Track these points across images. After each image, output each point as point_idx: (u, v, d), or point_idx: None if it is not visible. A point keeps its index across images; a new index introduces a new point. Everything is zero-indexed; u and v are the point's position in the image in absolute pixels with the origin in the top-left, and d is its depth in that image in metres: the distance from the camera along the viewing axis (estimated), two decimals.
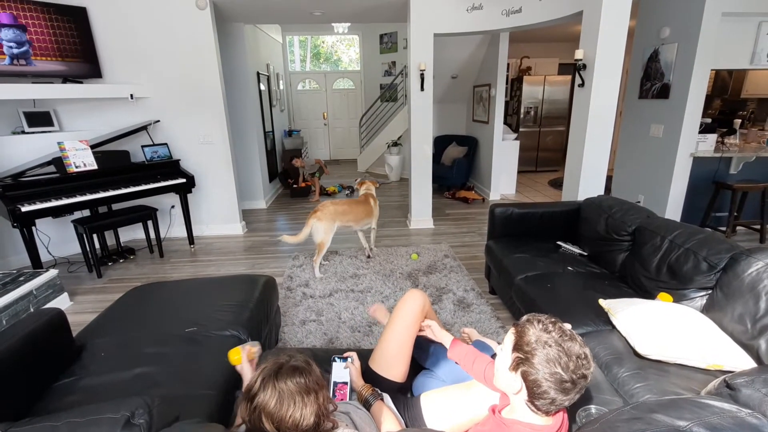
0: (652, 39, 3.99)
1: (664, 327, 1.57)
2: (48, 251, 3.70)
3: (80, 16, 3.67)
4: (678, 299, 1.82)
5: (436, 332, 1.51)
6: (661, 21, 3.86)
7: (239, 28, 4.97)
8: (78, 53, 3.70)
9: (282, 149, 7.24)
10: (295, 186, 6.20)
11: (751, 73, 5.52)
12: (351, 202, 3.58)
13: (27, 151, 3.54)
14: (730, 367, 1.44)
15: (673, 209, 3.97)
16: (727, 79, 5.92)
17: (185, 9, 3.86)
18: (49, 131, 3.72)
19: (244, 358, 1.44)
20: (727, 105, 6.13)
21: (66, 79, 3.67)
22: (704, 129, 3.99)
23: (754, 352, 1.48)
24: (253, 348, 1.50)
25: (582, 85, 3.11)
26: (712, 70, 3.87)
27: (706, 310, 1.75)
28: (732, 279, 1.66)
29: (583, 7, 3.07)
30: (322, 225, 3.31)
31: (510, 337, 1.00)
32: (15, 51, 3.33)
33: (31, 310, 2.69)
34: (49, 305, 2.83)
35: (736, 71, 5.67)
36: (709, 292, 1.77)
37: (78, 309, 2.98)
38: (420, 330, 1.53)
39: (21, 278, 2.78)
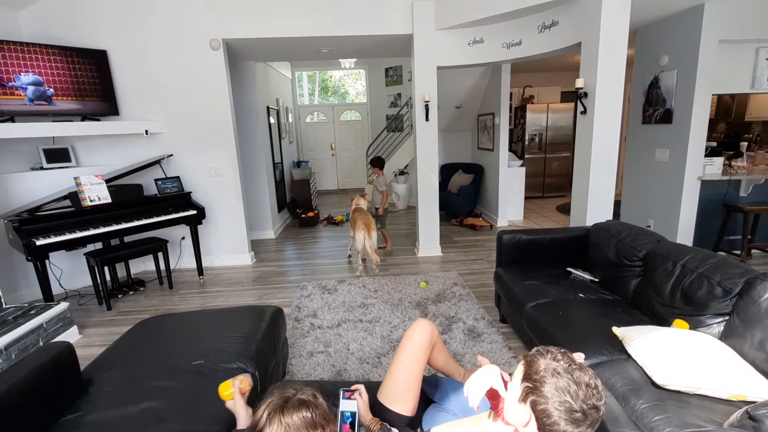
0: (651, 66, 4.06)
1: (681, 355, 1.52)
2: (59, 284, 3.75)
3: (101, 58, 3.88)
4: (694, 326, 1.77)
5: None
6: (659, 49, 3.95)
7: (250, 66, 5.18)
8: (97, 93, 3.88)
9: (291, 180, 7.37)
10: (303, 216, 6.26)
11: (753, 96, 5.57)
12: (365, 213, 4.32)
13: (46, 186, 3.66)
14: (754, 398, 1.38)
15: (685, 233, 3.91)
16: (729, 102, 5.97)
17: (200, 49, 4.06)
18: (67, 167, 3.86)
19: (236, 393, 1.34)
20: (731, 128, 6.15)
21: (85, 116, 3.83)
22: (710, 152, 3.99)
23: None
24: (245, 380, 1.39)
25: (584, 112, 3.15)
26: (713, 94, 3.91)
27: (724, 337, 1.69)
28: (749, 304, 1.61)
29: (581, 38, 3.16)
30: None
31: (520, 368, 0.99)
32: (40, 91, 3.52)
33: (41, 343, 2.70)
34: (58, 339, 2.84)
35: (738, 95, 5.73)
36: (726, 318, 1.72)
37: (87, 342, 2.98)
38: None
39: (32, 311, 2.80)
